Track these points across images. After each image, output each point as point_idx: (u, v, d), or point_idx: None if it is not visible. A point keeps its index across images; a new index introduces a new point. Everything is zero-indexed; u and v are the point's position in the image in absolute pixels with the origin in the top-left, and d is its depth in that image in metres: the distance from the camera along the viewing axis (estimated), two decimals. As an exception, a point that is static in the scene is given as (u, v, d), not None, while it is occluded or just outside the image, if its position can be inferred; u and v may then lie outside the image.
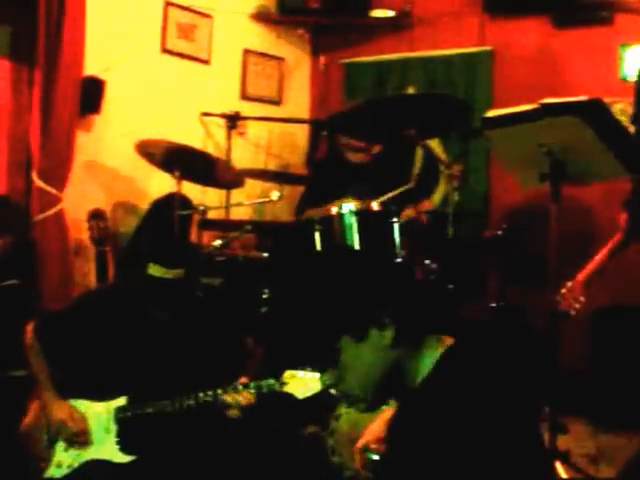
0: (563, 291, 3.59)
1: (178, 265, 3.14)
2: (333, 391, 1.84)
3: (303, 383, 2.96)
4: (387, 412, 2.20)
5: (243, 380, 3.04)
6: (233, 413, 3.02)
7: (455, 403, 1.68)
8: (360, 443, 2.16)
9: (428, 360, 1.79)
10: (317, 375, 2.96)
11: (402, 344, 1.77)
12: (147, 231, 4.60)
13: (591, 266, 3.64)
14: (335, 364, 1.80)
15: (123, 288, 3.52)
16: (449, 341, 1.82)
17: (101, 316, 3.25)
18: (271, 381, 3.01)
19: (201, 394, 3.04)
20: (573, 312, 3.57)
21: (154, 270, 3.09)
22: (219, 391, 3.03)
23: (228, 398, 3.01)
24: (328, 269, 1.84)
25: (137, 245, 4.54)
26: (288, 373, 2.99)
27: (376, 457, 2.13)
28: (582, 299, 3.56)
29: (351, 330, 1.76)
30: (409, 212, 4.38)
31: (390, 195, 4.06)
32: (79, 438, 3.16)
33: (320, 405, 3.55)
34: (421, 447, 1.70)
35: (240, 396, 3.00)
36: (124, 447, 3.14)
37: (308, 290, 1.83)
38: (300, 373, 2.98)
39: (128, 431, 3.15)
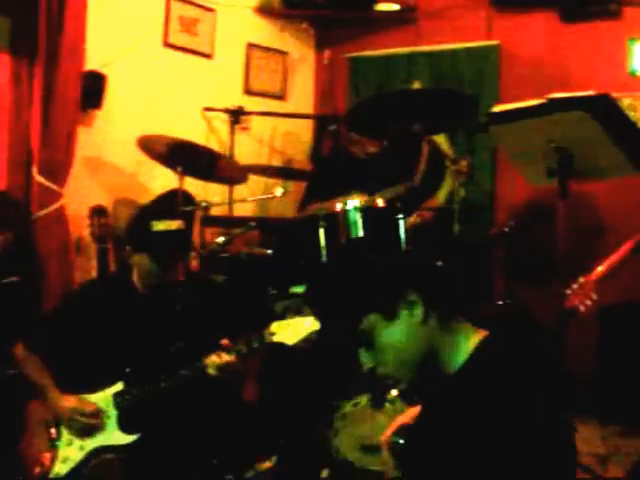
0: (575, 286, 3.46)
1: (177, 216, 3.42)
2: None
3: (291, 328, 3.07)
4: (417, 408, 2.25)
5: (224, 341, 3.16)
6: (211, 372, 3.12)
7: (486, 399, 1.72)
8: (387, 434, 2.20)
9: (463, 348, 1.83)
10: (304, 319, 3.06)
11: (433, 321, 1.81)
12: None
13: (608, 264, 3.51)
14: (371, 346, 1.84)
15: (106, 278, 3.72)
16: (483, 333, 1.86)
17: (87, 309, 3.34)
18: (260, 334, 3.11)
19: (194, 362, 3.15)
20: (582, 308, 3.47)
21: (159, 225, 3.24)
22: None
23: (206, 360, 3.13)
24: (357, 253, 1.94)
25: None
26: (275, 324, 3.09)
27: (402, 441, 2.16)
28: (594, 297, 3.45)
29: (380, 309, 1.81)
30: (413, 219, 4.33)
31: (390, 192, 4.02)
32: (93, 421, 3.21)
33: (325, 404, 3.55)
34: (446, 437, 1.76)
35: (216, 356, 3.12)
36: (126, 429, 3.21)
37: (338, 271, 1.92)
38: (287, 320, 3.09)
39: (128, 413, 3.22)
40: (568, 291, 3.45)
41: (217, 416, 3.39)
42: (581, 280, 3.46)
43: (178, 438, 3.24)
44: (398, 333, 1.80)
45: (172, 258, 3.31)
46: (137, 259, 3.31)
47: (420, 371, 1.85)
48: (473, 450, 1.69)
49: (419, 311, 1.79)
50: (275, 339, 3.09)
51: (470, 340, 1.84)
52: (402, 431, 2.18)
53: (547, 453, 1.69)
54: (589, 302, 3.42)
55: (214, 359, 3.12)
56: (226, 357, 3.12)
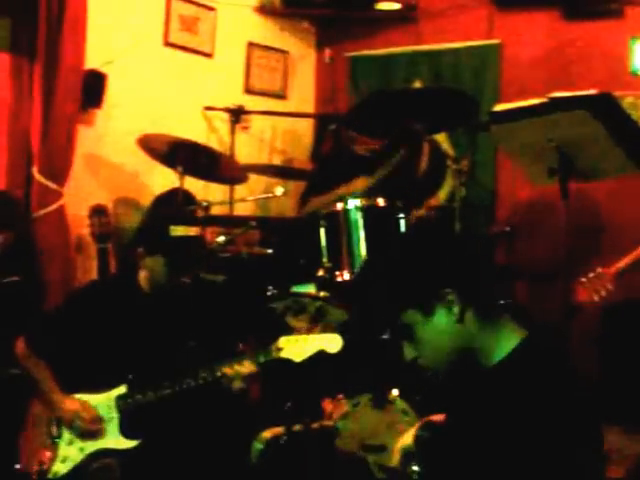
0: (591, 275, 3.32)
1: (194, 223, 3.44)
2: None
3: (299, 345, 3.04)
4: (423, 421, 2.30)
5: (242, 347, 3.21)
6: (237, 385, 3.09)
7: (521, 399, 1.73)
8: (401, 443, 2.24)
9: (504, 346, 1.84)
10: (313, 336, 3.06)
11: (471, 318, 1.83)
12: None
13: (630, 258, 3.37)
14: (412, 339, 1.87)
15: (109, 278, 3.69)
16: (524, 333, 1.87)
17: (91, 310, 3.30)
18: (267, 349, 3.08)
19: (199, 371, 3.10)
20: (597, 299, 3.38)
21: (177, 230, 3.22)
22: (216, 366, 3.09)
23: (228, 370, 3.07)
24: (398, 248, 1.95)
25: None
26: (283, 339, 3.06)
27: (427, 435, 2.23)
28: (610, 288, 3.30)
29: (417, 305, 1.83)
30: (419, 212, 4.32)
31: (382, 171, 4.02)
32: (93, 426, 3.20)
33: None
34: (476, 433, 1.78)
35: (240, 366, 3.06)
36: (127, 433, 3.19)
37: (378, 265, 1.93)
38: (295, 336, 3.08)
39: (130, 417, 3.20)
40: (583, 279, 3.34)
41: (220, 423, 3.35)
42: (599, 270, 3.33)
43: (180, 444, 3.22)
44: (436, 329, 1.83)
45: (188, 264, 3.29)
46: (150, 262, 3.27)
47: (457, 366, 1.88)
48: (502, 447, 1.71)
49: (456, 309, 1.81)
50: (282, 355, 3.06)
51: (513, 338, 1.85)
52: (428, 427, 2.20)
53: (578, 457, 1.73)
54: (604, 293, 3.32)
55: (239, 369, 3.06)
56: (250, 366, 3.07)
